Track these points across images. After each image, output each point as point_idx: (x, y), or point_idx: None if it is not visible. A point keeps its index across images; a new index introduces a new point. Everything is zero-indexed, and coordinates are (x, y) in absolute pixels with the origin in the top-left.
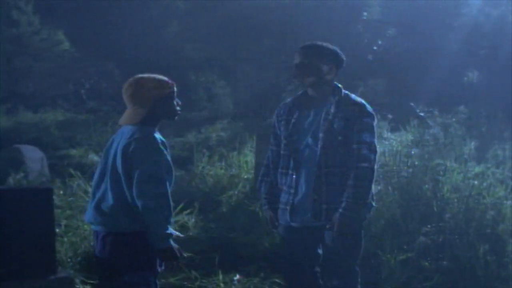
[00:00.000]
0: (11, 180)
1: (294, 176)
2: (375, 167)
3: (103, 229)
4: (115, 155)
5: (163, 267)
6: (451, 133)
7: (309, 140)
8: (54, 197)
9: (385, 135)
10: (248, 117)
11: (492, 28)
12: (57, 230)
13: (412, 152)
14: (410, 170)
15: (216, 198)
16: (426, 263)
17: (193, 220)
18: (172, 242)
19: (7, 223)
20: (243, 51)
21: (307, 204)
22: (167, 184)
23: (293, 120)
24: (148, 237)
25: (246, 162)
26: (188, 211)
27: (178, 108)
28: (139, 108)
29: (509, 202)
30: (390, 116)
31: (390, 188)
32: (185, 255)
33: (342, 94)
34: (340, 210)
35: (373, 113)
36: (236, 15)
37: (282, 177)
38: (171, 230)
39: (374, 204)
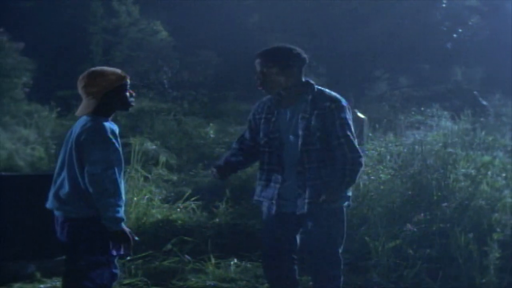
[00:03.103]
0: None
1: (279, 172)
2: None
3: (61, 215)
4: (71, 144)
5: (121, 251)
6: (503, 121)
7: (291, 138)
8: None
9: (444, 124)
10: None
11: None
12: None
13: (449, 141)
14: (420, 161)
15: (252, 185)
16: (411, 251)
17: (222, 207)
18: (123, 225)
19: (15, 207)
20: (321, 39)
21: (293, 195)
22: (116, 170)
23: (273, 119)
24: (102, 221)
25: None
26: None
27: (131, 99)
28: (91, 99)
29: (506, 192)
30: (457, 102)
31: (399, 177)
32: (136, 238)
33: (316, 91)
34: (329, 189)
35: (348, 106)
36: (313, 4)
37: (267, 173)
38: (122, 214)
39: (350, 194)
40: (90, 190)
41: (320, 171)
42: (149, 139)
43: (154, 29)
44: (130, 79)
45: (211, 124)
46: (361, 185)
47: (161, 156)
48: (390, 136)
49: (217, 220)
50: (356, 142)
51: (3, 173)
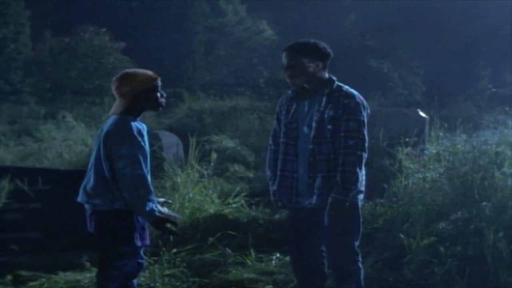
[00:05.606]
0: None
1: (294, 162)
2: (364, 154)
3: (90, 207)
4: (100, 141)
5: (145, 242)
6: None
7: (305, 129)
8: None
9: None
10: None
11: None
12: None
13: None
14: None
15: None
16: (442, 249)
17: None
18: (158, 213)
19: (68, 200)
20: (420, 40)
21: (305, 188)
22: (143, 166)
23: (292, 110)
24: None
25: None
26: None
27: (162, 100)
28: (123, 100)
29: None
30: None
31: (446, 176)
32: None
33: (334, 86)
34: (332, 194)
35: (363, 103)
36: (413, 5)
37: (283, 163)
38: (152, 205)
39: (363, 189)
40: (120, 185)
41: (329, 163)
42: (229, 137)
43: (260, 28)
44: (231, 78)
45: None
46: (410, 184)
47: (212, 153)
48: (463, 135)
49: (276, 216)
50: (359, 137)
51: (61, 168)
